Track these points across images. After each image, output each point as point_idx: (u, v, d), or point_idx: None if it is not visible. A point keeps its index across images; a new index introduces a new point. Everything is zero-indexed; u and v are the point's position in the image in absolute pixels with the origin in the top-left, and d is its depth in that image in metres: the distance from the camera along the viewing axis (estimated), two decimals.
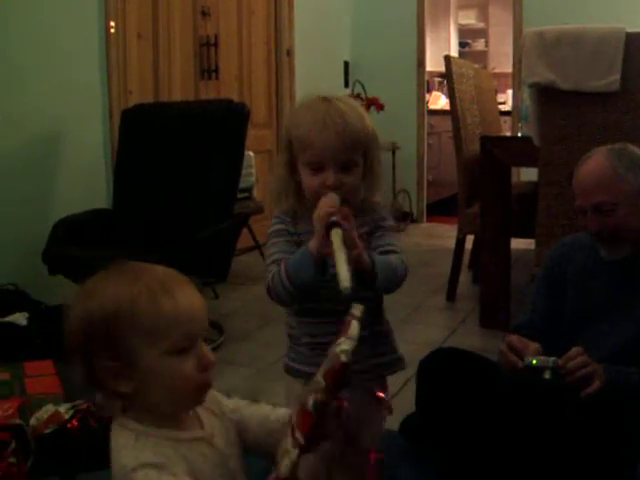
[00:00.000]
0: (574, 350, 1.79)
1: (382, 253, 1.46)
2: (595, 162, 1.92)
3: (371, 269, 1.37)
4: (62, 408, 1.51)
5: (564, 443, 1.86)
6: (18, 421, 1.46)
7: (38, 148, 3.68)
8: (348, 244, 1.30)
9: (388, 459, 1.65)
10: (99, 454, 1.55)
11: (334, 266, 1.27)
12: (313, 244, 1.35)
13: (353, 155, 1.40)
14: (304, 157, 1.41)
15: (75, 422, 1.49)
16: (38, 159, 3.68)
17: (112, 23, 4.02)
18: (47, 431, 1.47)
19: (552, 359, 1.78)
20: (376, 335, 1.56)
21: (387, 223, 1.53)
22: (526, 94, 3.45)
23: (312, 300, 1.46)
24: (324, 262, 1.35)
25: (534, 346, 1.86)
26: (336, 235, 1.30)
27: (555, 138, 3.01)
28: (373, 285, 1.41)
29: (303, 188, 1.45)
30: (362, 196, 1.50)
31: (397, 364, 1.62)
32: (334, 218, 1.31)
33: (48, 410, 1.50)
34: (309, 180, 1.42)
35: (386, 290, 1.50)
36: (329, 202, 1.35)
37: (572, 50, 2.90)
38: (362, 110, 1.47)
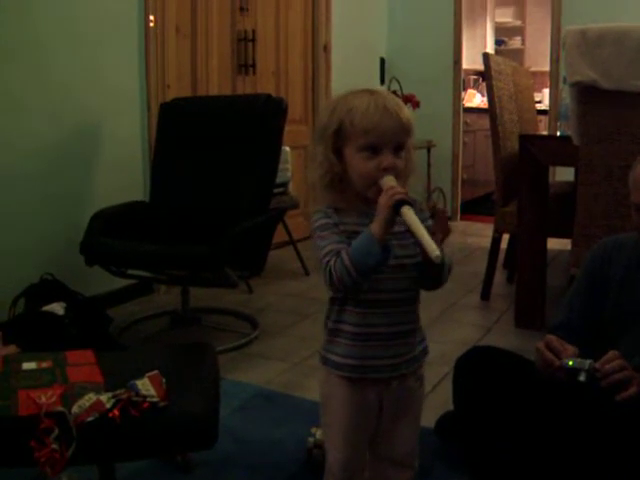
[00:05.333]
0: (611, 353, 1.78)
1: None
2: None
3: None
4: (104, 397, 1.52)
5: (599, 445, 1.85)
6: (61, 408, 1.47)
7: (76, 141, 3.72)
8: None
9: (421, 458, 1.65)
10: (139, 444, 1.57)
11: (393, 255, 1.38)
12: (376, 228, 1.36)
13: (405, 138, 1.46)
14: (362, 141, 1.43)
15: (116, 411, 1.50)
16: (76, 152, 3.72)
17: (151, 17, 4.06)
18: (89, 419, 1.48)
19: (588, 361, 1.77)
20: (418, 329, 1.58)
21: (427, 224, 1.52)
22: (566, 92, 3.42)
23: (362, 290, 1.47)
24: (386, 247, 1.37)
25: (572, 349, 1.84)
26: (409, 211, 1.34)
27: (595, 138, 2.98)
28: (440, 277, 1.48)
29: (350, 175, 1.46)
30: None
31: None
32: (404, 196, 1.35)
33: (90, 399, 1.51)
34: (363, 164, 1.43)
35: (438, 285, 1.53)
36: (393, 183, 1.39)
37: (615, 49, 2.86)
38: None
